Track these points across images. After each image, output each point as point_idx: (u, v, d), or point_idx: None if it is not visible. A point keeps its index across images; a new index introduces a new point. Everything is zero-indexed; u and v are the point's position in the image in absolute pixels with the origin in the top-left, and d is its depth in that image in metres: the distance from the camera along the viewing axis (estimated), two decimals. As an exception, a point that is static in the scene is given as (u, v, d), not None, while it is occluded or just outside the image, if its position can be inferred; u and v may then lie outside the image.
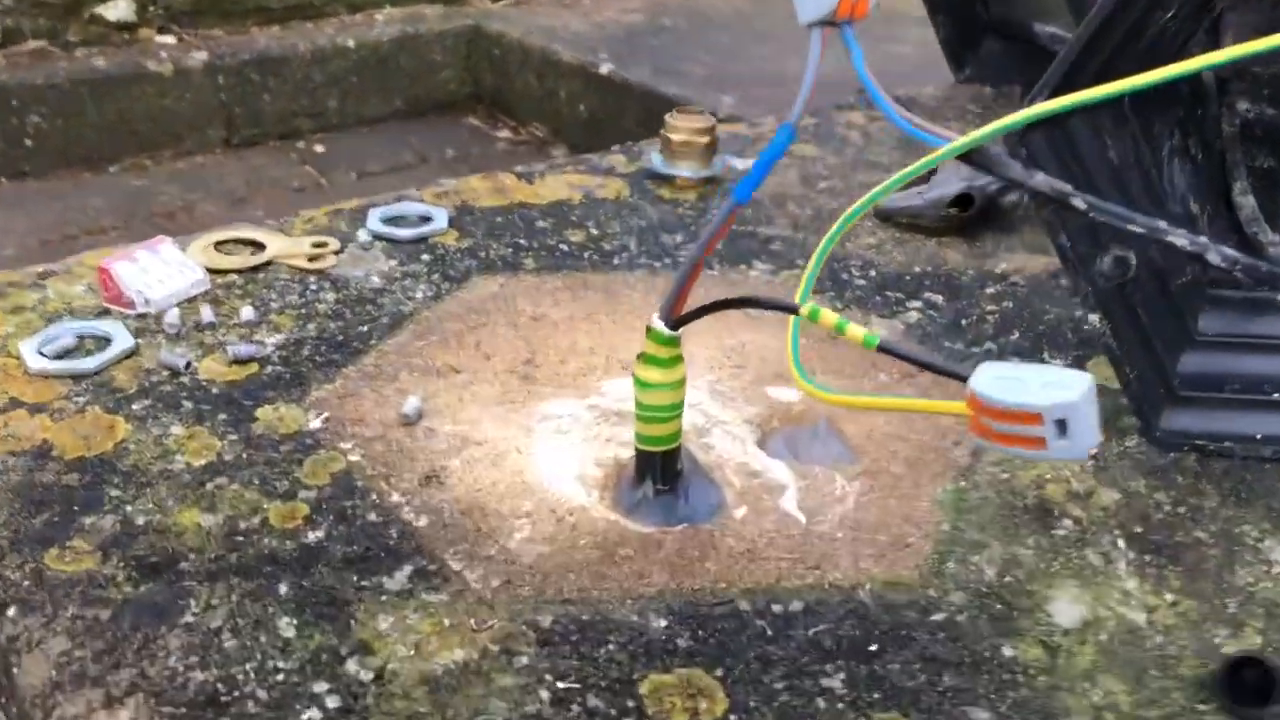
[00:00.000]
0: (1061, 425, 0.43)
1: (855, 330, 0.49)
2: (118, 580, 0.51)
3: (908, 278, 0.83)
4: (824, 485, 0.60)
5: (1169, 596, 0.53)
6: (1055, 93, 0.57)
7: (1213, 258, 0.56)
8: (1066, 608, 0.52)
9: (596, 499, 0.58)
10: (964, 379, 0.46)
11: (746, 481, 0.60)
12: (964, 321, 0.77)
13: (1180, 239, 0.56)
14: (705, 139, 0.95)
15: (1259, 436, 0.64)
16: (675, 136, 0.95)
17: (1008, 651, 0.50)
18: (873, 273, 0.83)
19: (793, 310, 0.51)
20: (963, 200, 0.88)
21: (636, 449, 0.58)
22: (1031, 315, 0.78)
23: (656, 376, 0.56)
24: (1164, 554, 0.56)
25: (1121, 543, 0.57)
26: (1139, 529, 0.58)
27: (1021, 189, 0.57)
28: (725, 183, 0.97)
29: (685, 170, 0.96)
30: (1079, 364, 0.72)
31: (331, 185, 2.83)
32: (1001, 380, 0.45)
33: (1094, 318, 0.61)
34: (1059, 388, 0.44)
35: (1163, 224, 0.56)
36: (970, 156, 0.56)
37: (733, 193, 0.53)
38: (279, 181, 2.71)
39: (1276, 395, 0.64)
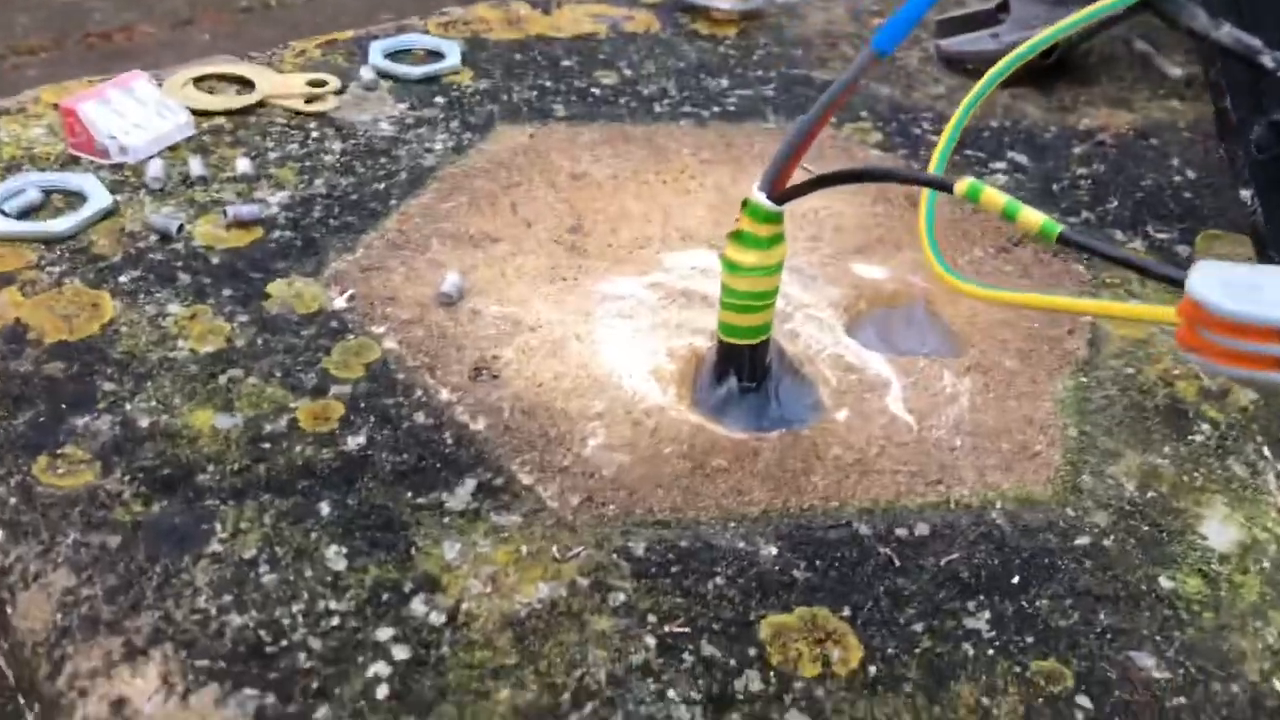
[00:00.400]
0: (1304, 345, 0.36)
1: (1030, 216, 0.41)
2: (125, 498, 0.43)
3: (986, 134, 0.74)
4: (932, 381, 0.53)
5: (1334, 517, 0.47)
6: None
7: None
8: (1219, 529, 0.46)
9: (674, 397, 0.51)
10: (1178, 282, 0.38)
11: (843, 377, 0.52)
12: (1056, 187, 0.68)
13: None
14: (749, -30, 0.84)
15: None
16: (713, -34, 0.84)
17: (1165, 583, 0.43)
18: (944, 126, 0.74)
19: (946, 188, 0.43)
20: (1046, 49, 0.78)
21: (720, 340, 0.50)
22: (1128, 181, 0.69)
23: (753, 259, 0.48)
24: (1317, 465, 0.50)
25: (1268, 450, 0.50)
26: (1286, 435, 0.51)
27: (1201, 41, 0.48)
28: (769, 18, 0.86)
29: (723, 2, 0.85)
30: (1185, 237, 0.65)
31: (280, 6, 2.62)
32: (1232, 286, 0.37)
33: (1244, 193, 0.53)
34: (1301, 297, 0.36)
35: None
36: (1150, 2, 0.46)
37: (871, 41, 0.43)
38: (225, 2, 2.51)
39: None
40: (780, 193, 0.47)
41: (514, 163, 0.66)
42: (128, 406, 0.47)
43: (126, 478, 0.44)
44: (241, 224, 0.58)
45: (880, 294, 0.59)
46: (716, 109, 0.74)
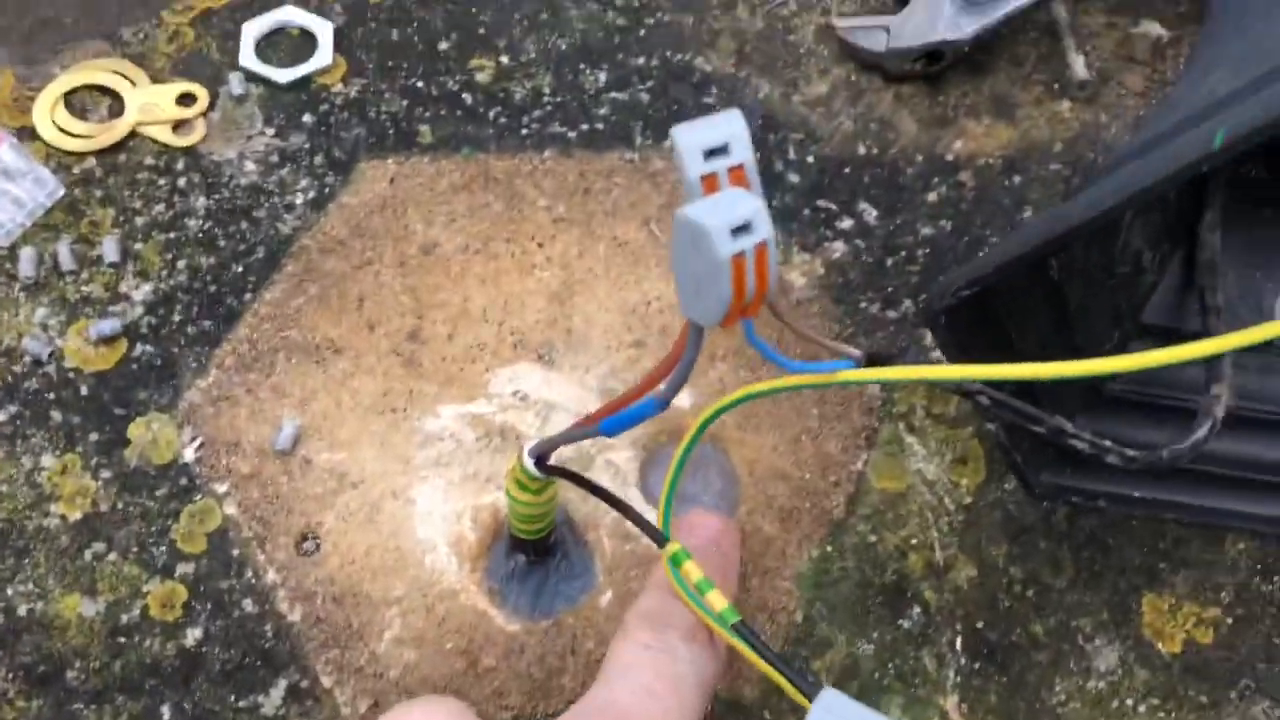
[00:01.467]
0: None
1: (716, 599, 0.48)
2: (9, 695, 0.56)
3: (849, 168, 0.74)
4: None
5: (979, 714, 0.59)
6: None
7: (1112, 459, 0.52)
8: (884, 737, 0.58)
9: (468, 574, 0.60)
10: (807, 695, 0.46)
11: (618, 548, 0.62)
12: (890, 261, 0.71)
13: (1082, 443, 0.52)
14: (646, -87, 0.79)
15: (1135, 496, 0.64)
16: (609, -90, 0.78)
17: (817, 799, 0.56)
18: (810, 157, 0.75)
19: (659, 542, 0.50)
20: (934, 55, 0.76)
21: (510, 529, 0.59)
22: (967, 247, 0.72)
23: (527, 498, 0.56)
24: (994, 660, 0.60)
25: (959, 643, 0.61)
26: (981, 623, 0.61)
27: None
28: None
29: (621, -54, 0.80)
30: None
31: None
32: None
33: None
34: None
35: (1068, 426, 0.51)
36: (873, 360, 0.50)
37: (601, 424, 0.48)
38: None
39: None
40: (545, 467, 0.54)
41: (369, 226, 0.70)
42: (9, 591, 0.58)
43: (10, 674, 0.56)
44: (106, 340, 0.64)
45: (682, 427, 0.66)
46: (585, 126, 0.75)
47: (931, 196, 0.74)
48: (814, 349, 0.61)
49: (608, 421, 0.48)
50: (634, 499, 0.63)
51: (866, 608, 0.61)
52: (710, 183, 0.40)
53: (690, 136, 0.39)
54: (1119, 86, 0.79)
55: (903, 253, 0.72)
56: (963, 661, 0.60)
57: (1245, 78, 0.45)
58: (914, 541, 0.63)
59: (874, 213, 0.73)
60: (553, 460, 0.53)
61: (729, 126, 0.40)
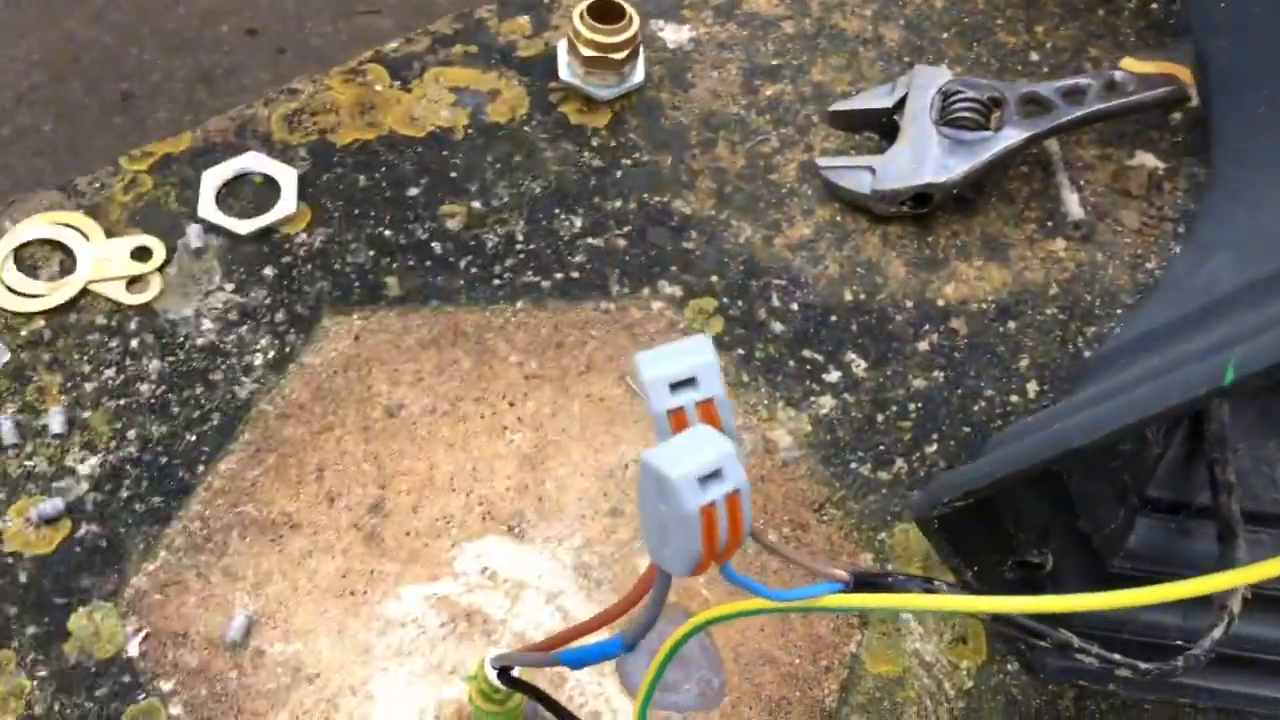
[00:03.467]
0: None
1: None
2: None
3: (836, 316, 0.71)
4: (673, 748, 0.57)
5: None
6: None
7: (1123, 674, 0.48)
8: None
9: (430, 779, 0.56)
10: None
11: (591, 745, 0.57)
12: (880, 417, 0.68)
13: (1089, 659, 0.48)
14: (625, 52, 0.76)
15: (1144, 669, 0.60)
16: (587, 50, 0.76)
17: None
18: (796, 305, 0.72)
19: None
20: (921, 198, 0.73)
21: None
22: (960, 401, 0.68)
23: (491, 709, 0.51)
24: None
25: None
26: (985, 827, 0.57)
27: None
28: (646, 88, 0.79)
29: (599, 88, 0.78)
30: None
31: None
32: None
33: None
34: None
35: (1075, 641, 0.48)
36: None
37: (559, 655, 0.44)
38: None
39: (1179, 641, 0.59)
40: (509, 680, 0.50)
41: (331, 388, 0.66)
42: (-68, 810, 0.53)
43: None
44: (48, 521, 0.60)
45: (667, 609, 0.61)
46: (560, 275, 0.71)
47: (923, 345, 0.71)
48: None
49: (567, 654, 0.44)
50: (609, 689, 0.59)
51: (861, 809, 0.57)
52: (678, 419, 0.36)
53: (655, 368, 0.36)
54: (1115, 224, 0.76)
55: (894, 407, 0.68)
56: None
57: (1251, 270, 0.42)
58: (911, 732, 0.59)
59: (862, 364, 0.70)
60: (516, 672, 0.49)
61: (696, 356, 0.36)
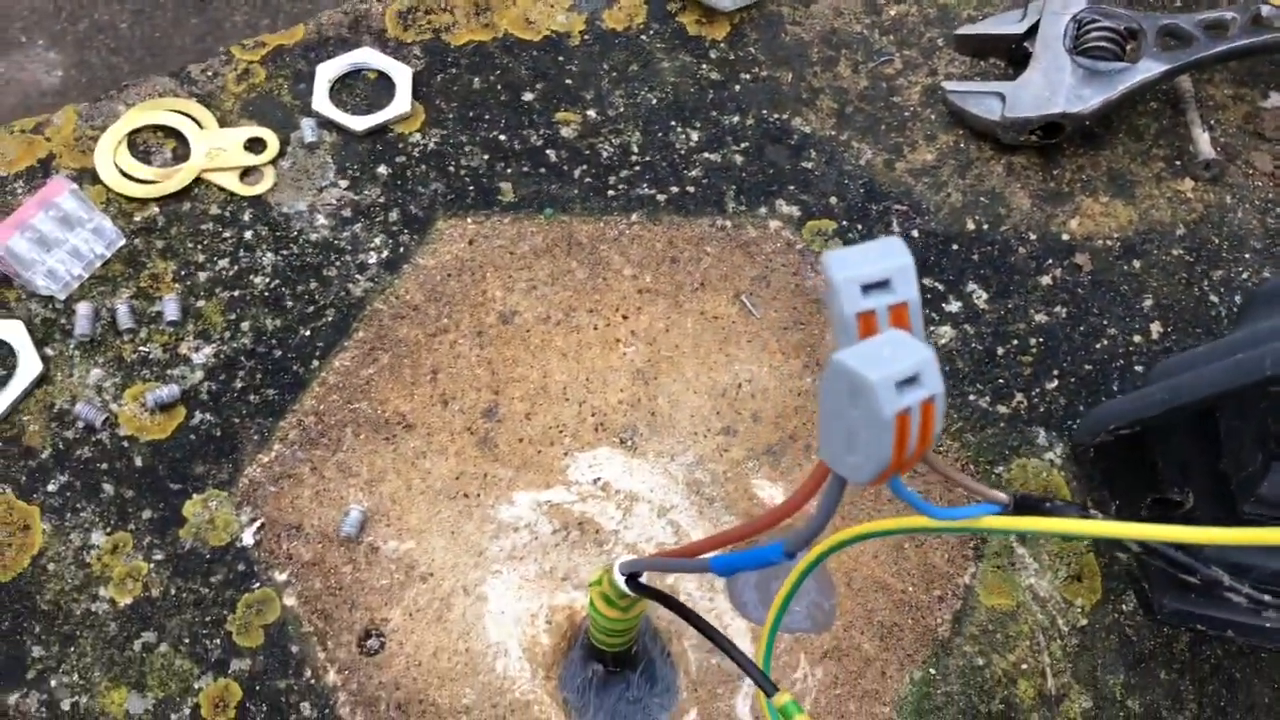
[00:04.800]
0: None
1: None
2: (50, 800, 0.52)
3: (958, 244, 0.69)
4: (785, 673, 0.57)
5: None
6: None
7: (1269, 615, 0.47)
8: None
9: (541, 681, 0.56)
10: None
11: (703, 661, 0.57)
12: (1001, 350, 0.66)
13: (1239, 596, 0.47)
14: (748, -40, 0.74)
15: (1267, 626, 0.59)
16: (709, -43, 0.74)
17: None
18: (915, 232, 0.70)
19: (767, 691, 0.45)
20: (1051, 127, 0.71)
21: (589, 636, 0.54)
22: (1083, 338, 0.67)
23: (614, 614, 0.51)
24: (1112, 808, 0.55)
25: (1073, 786, 0.55)
26: (1097, 765, 0.56)
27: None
28: (767, 4, 0.77)
29: (723, 1, 0.76)
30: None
31: None
32: None
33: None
34: None
35: (1226, 579, 0.46)
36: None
37: (710, 561, 0.43)
38: None
39: None
40: (638, 586, 0.49)
41: (446, 291, 0.65)
42: (53, 682, 0.54)
43: (51, 777, 0.52)
44: (164, 406, 0.60)
45: (775, 528, 0.61)
46: (675, 189, 0.70)
47: (1045, 280, 0.69)
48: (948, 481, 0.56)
49: (720, 560, 0.43)
50: (721, 606, 0.58)
51: (972, 739, 0.56)
52: (867, 322, 0.35)
53: (846, 268, 0.34)
54: (1246, 166, 0.74)
55: (1014, 341, 0.67)
56: (1077, 806, 0.55)
57: None
58: (1024, 667, 0.58)
59: (984, 295, 0.68)
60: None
61: (892, 258, 0.35)
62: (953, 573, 0.60)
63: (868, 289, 0.35)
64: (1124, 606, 0.60)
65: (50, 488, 0.58)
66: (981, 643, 0.58)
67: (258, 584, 0.57)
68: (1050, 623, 0.59)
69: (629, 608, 0.50)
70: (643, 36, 0.75)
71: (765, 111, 0.73)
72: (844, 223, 0.69)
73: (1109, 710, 0.57)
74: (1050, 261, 0.69)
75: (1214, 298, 0.69)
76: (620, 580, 0.49)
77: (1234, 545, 0.39)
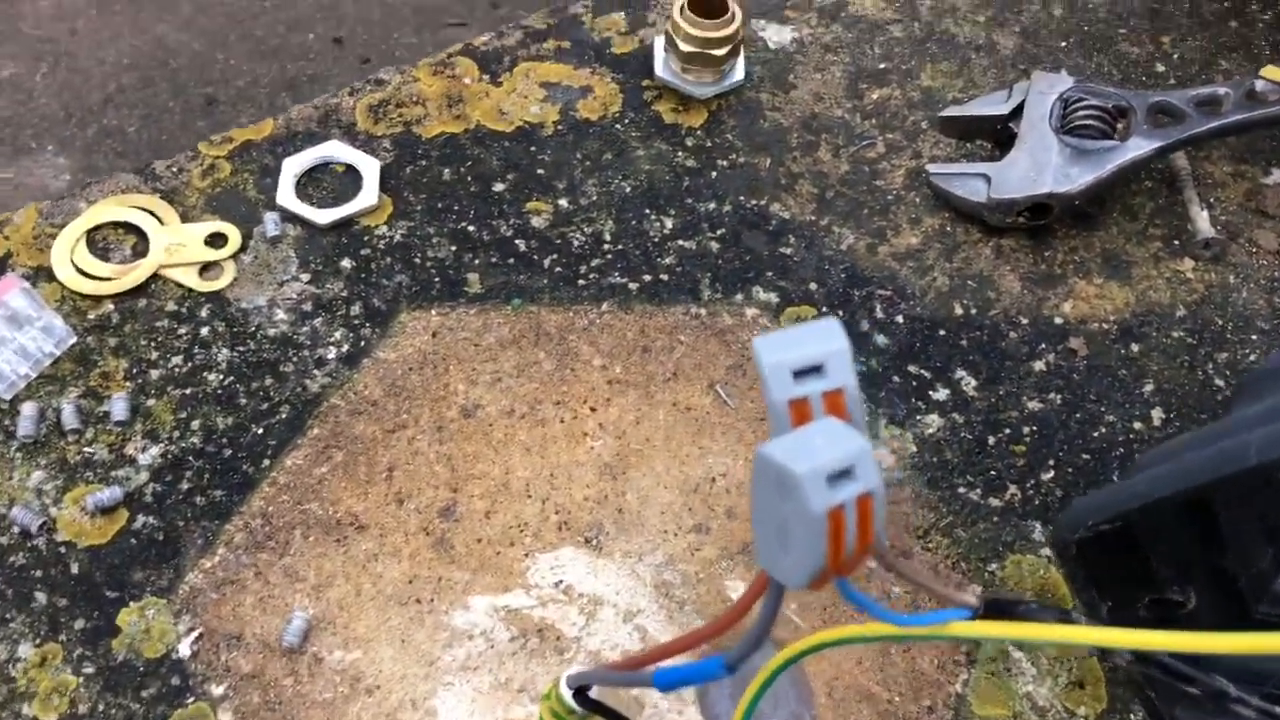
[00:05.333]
0: None
1: None
2: None
3: (944, 329, 0.66)
4: (758, 789, 0.52)
5: None
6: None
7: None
8: None
9: (493, 806, 0.52)
10: None
11: (670, 781, 0.52)
12: (991, 440, 0.63)
13: (1249, 710, 0.42)
14: (726, 48, 0.73)
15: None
16: (685, 46, 0.72)
17: None
18: (901, 318, 0.67)
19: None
20: (1039, 208, 0.68)
21: (542, 754, 0.50)
22: (1079, 425, 0.63)
23: (560, 731, 0.47)
24: None
25: None
26: None
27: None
28: (746, 89, 0.75)
29: (695, 89, 0.74)
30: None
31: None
32: None
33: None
34: None
35: (1232, 690, 0.42)
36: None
37: (654, 676, 0.40)
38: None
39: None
40: (586, 700, 0.45)
41: (407, 385, 0.63)
42: (-33, 810, 0.50)
43: None
44: (105, 511, 0.57)
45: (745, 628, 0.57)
46: (648, 277, 0.67)
47: (1038, 365, 0.65)
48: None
49: (662, 674, 0.39)
50: (691, 717, 0.54)
51: None
52: (800, 411, 0.31)
53: (776, 353, 0.31)
54: (1249, 244, 0.70)
55: (1006, 430, 0.63)
56: None
57: None
58: (1023, 786, 0.53)
59: (973, 382, 0.64)
60: (594, 693, 0.44)
61: (826, 341, 0.32)
62: (943, 680, 0.55)
63: (800, 375, 0.32)
64: (1131, 717, 0.55)
65: (-20, 597, 0.55)
66: (975, 760, 0.53)
67: (192, 699, 0.53)
68: (1051, 736, 0.54)
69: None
70: (617, 125, 0.74)
71: (742, 198, 0.71)
72: (824, 309, 0.66)
73: (1118, 835, 0.52)
74: (1043, 346, 0.66)
75: (1219, 381, 0.65)
76: (567, 695, 0.45)
77: (1241, 654, 0.35)
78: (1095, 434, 0.63)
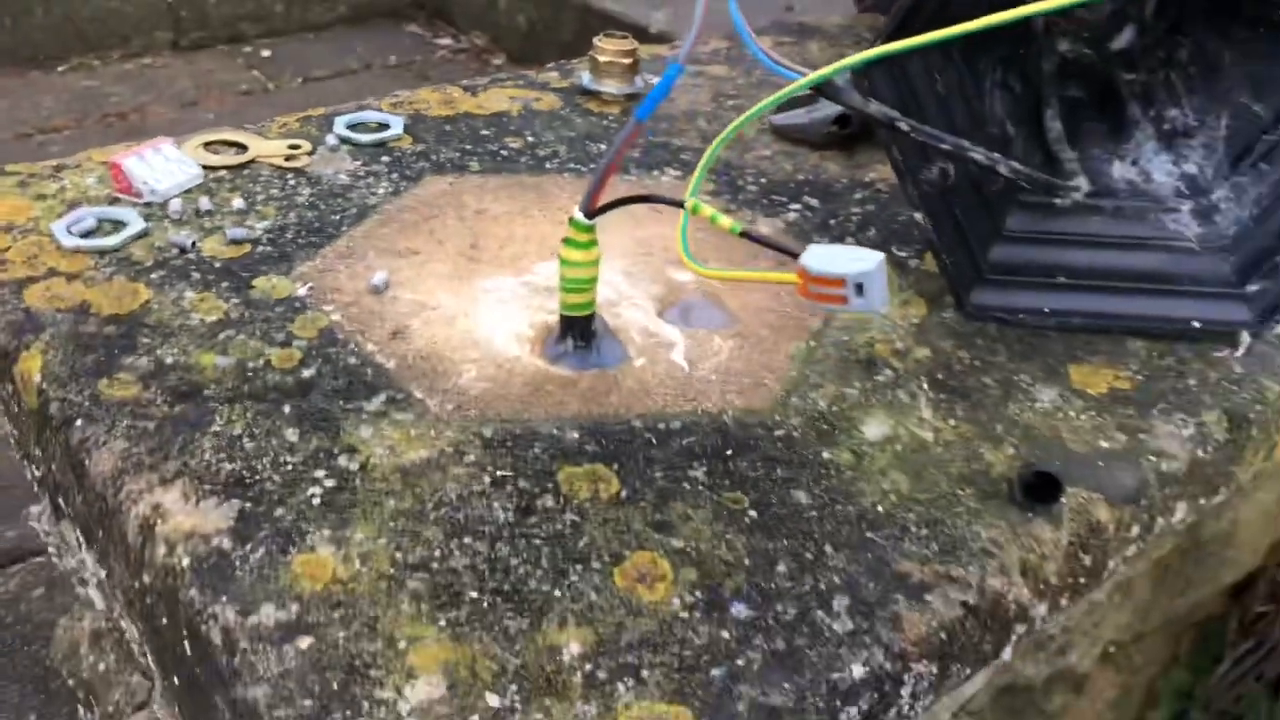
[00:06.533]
0: (859, 287, 0.61)
1: (725, 220, 0.65)
2: (157, 403, 0.67)
3: (791, 185, 0.99)
4: (705, 343, 0.77)
5: (952, 421, 0.71)
6: (892, 37, 0.73)
7: (1002, 169, 0.73)
8: (875, 428, 0.70)
9: (528, 351, 0.75)
10: (797, 256, 0.63)
11: (646, 340, 0.77)
12: (832, 221, 0.94)
13: (977, 154, 0.73)
14: (628, 60, 1.10)
15: (1046, 310, 0.82)
16: (602, 58, 1.10)
17: (826, 455, 0.68)
18: (763, 180, 0.99)
19: (679, 205, 0.68)
20: (842, 119, 1.05)
21: (560, 314, 0.75)
22: (888, 216, 0.95)
23: (577, 256, 0.72)
24: (956, 394, 0.74)
25: (925, 385, 0.75)
26: (941, 375, 0.76)
27: (861, 114, 0.74)
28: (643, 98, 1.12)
29: (610, 88, 1.11)
30: (919, 255, 0.90)
31: (278, 89, 2.91)
32: (820, 256, 0.62)
33: (919, 216, 0.78)
34: (859, 261, 0.61)
35: (965, 142, 0.73)
36: (820, 88, 0.72)
37: (635, 112, 0.68)
38: (227, 85, 2.79)
39: (1062, 279, 0.82)
40: (591, 210, 0.72)
41: (436, 202, 0.91)
42: (158, 352, 0.71)
43: (159, 391, 0.68)
44: (236, 242, 0.83)
45: (685, 290, 0.83)
46: (593, 165, 0.99)
47: (858, 195, 0.98)
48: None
49: (641, 109, 0.68)
50: (652, 322, 0.79)
51: (848, 370, 0.76)
52: None
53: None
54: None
55: (841, 217, 0.94)
56: (931, 394, 0.74)
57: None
58: (878, 338, 0.79)
59: (815, 202, 0.97)
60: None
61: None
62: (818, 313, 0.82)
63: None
64: (946, 314, 0.82)
65: (153, 276, 0.79)
66: (845, 330, 0.80)
67: (310, 312, 0.77)
68: (894, 323, 0.81)
69: (589, 245, 0.73)
70: (560, 112, 1.09)
71: (650, 137, 1.05)
72: (715, 177, 0.99)
73: (943, 355, 0.78)
74: (859, 188, 0.99)
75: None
76: (579, 215, 0.72)
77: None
78: (899, 218, 0.95)
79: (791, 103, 1.10)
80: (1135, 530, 0.69)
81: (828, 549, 0.61)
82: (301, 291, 0.78)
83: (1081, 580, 0.67)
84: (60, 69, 2.69)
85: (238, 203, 0.88)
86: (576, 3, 2.42)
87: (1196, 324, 0.81)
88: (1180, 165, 0.85)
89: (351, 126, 1.01)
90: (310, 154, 0.97)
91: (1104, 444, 0.71)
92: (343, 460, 0.64)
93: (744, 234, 0.66)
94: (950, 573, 0.60)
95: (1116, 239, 0.83)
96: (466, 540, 0.59)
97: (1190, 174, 0.85)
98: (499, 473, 0.64)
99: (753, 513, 0.63)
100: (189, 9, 2.85)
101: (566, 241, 0.73)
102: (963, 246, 0.81)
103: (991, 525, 0.63)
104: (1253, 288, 0.81)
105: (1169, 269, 0.82)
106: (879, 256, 0.61)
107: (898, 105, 0.76)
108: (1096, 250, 0.83)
